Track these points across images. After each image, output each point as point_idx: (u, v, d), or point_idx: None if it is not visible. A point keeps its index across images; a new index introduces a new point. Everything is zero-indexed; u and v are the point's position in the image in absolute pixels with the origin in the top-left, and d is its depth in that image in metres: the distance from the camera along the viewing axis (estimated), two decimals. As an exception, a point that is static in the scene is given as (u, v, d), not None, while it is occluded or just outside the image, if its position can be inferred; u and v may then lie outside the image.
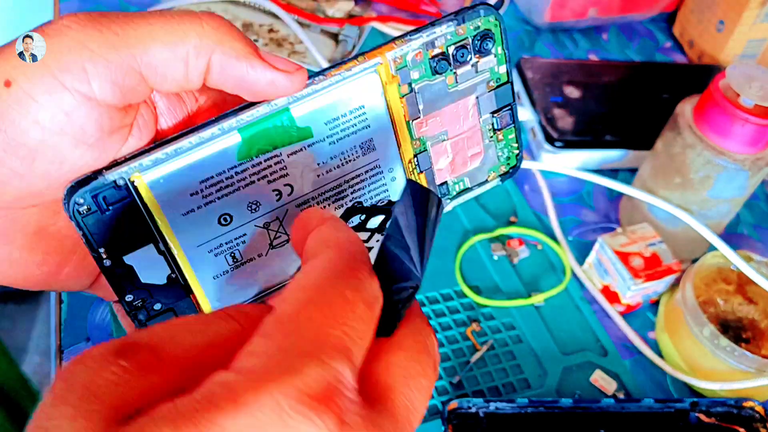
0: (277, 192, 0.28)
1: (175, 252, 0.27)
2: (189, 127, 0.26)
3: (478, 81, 0.30)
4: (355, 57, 0.28)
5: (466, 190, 0.32)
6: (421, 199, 0.23)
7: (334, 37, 0.68)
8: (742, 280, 0.50)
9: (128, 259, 0.26)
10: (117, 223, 0.26)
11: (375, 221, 0.29)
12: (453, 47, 0.28)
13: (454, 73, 0.29)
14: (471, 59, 0.29)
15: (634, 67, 0.68)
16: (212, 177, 0.27)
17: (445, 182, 0.31)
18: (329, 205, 0.29)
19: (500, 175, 0.32)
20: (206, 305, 0.29)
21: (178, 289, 0.28)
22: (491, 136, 0.31)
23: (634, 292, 0.50)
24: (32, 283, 0.27)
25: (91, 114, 0.23)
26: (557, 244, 0.55)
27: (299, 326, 0.19)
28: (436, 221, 0.24)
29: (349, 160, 0.29)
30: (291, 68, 0.25)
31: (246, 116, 0.26)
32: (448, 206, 0.31)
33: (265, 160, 0.27)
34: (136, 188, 0.26)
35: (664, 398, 0.45)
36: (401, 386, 0.20)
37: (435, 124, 0.30)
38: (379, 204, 0.30)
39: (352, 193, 0.29)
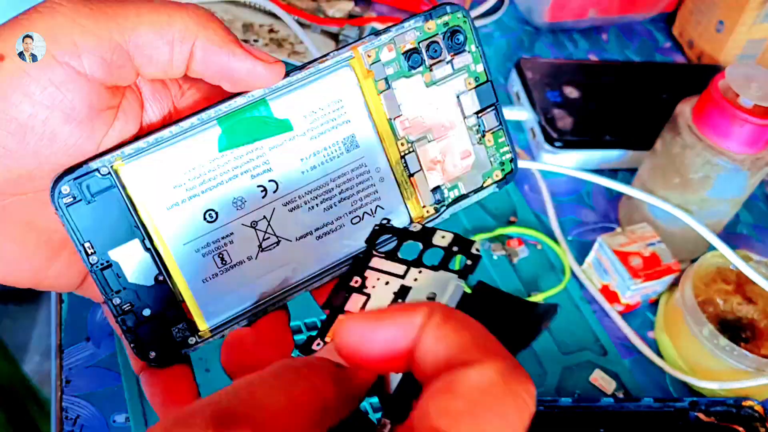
0: (261, 188, 0.28)
1: (161, 249, 0.27)
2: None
3: (456, 79, 0.30)
4: (330, 52, 0.28)
5: (462, 197, 0.31)
6: (494, 308, 0.24)
7: (335, 37, 0.68)
8: (742, 279, 0.50)
9: (114, 254, 0.26)
10: (102, 214, 0.26)
11: (410, 249, 0.28)
12: (424, 43, 0.29)
13: (430, 69, 0.29)
14: (445, 56, 0.29)
15: (633, 67, 0.68)
16: (194, 168, 0.27)
17: (439, 187, 0.31)
18: (318, 205, 0.29)
19: (496, 182, 0.32)
20: (197, 312, 0.28)
21: (166, 292, 0.28)
22: (479, 139, 0.31)
23: (634, 291, 0.50)
24: (21, 279, 0.27)
25: (81, 89, 0.24)
26: (557, 244, 0.55)
27: None
28: (530, 333, 0.23)
29: (333, 157, 0.29)
30: (270, 59, 0.26)
31: (224, 107, 0.27)
32: (445, 213, 0.31)
33: (246, 153, 0.28)
34: (119, 177, 0.26)
35: (664, 398, 0.45)
36: None
37: (418, 124, 0.30)
38: (412, 228, 0.28)
39: (340, 193, 0.29)
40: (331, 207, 0.29)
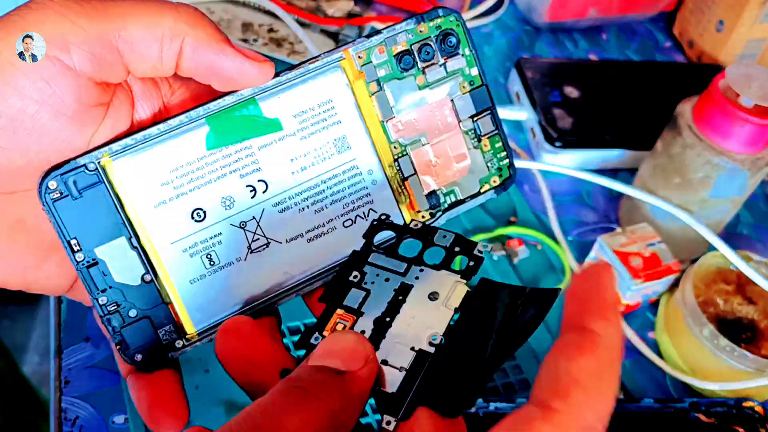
0: (251, 188, 0.28)
1: (148, 247, 0.27)
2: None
3: (450, 82, 0.30)
4: (321, 54, 0.28)
5: (459, 202, 0.31)
6: (497, 303, 0.23)
7: (334, 37, 0.68)
8: (742, 280, 0.50)
9: (100, 251, 0.26)
10: (89, 211, 0.26)
11: (410, 247, 0.28)
12: (416, 45, 0.29)
13: (423, 72, 0.29)
14: (438, 59, 0.29)
15: (634, 67, 0.68)
16: (182, 166, 0.27)
17: (434, 192, 0.30)
18: (308, 206, 0.29)
19: (494, 188, 0.31)
20: (184, 314, 0.28)
21: (153, 293, 0.27)
22: (475, 144, 0.30)
23: (634, 292, 0.50)
24: (10, 280, 0.27)
25: (70, 84, 0.24)
26: (557, 244, 0.55)
27: None
28: (528, 323, 0.23)
29: (324, 158, 0.29)
30: (259, 58, 0.26)
31: (213, 105, 0.27)
32: (441, 219, 0.31)
33: (235, 152, 0.28)
34: (106, 173, 0.26)
35: (664, 398, 0.45)
36: None
37: (411, 126, 0.30)
38: (413, 226, 0.28)
39: (331, 195, 0.29)
40: (323, 209, 0.29)
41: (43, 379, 0.98)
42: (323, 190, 0.29)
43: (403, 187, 0.30)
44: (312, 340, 0.25)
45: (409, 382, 0.23)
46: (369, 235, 0.28)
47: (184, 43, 0.25)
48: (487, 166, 0.31)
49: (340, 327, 0.25)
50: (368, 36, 0.29)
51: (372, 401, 0.23)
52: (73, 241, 0.26)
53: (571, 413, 0.19)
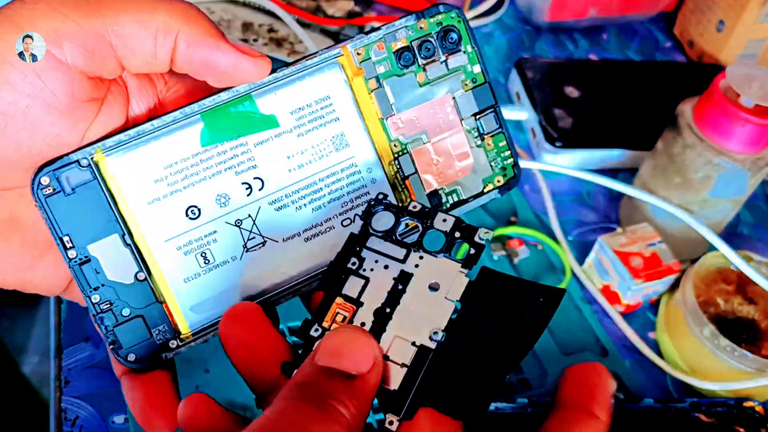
0: (246, 185, 0.28)
1: (141, 245, 0.27)
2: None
3: (451, 79, 0.29)
4: (319, 50, 0.28)
5: (461, 202, 0.30)
6: (500, 297, 0.23)
7: (335, 37, 0.68)
8: (742, 280, 0.50)
9: (93, 249, 0.26)
10: (82, 207, 0.26)
11: (408, 232, 0.27)
12: (416, 42, 0.28)
13: (423, 69, 0.29)
14: (439, 56, 0.29)
15: (634, 67, 0.68)
16: (176, 162, 0.27)
17: (436, 191, 0.30)
18: (306, 205, 0.28)
19: (497, 187, 0.30)
20: (178, 313, 0.28)
21: (147, 291, 0.27)
22: (478, 142, 0.30)
23: (634, 292, 0.50)
24: (5, 279, 0.27)
25: (63, 78, 0.24)
26: (557, 244, 0.55)
27: None
28: (537, 321, 0.23)
29: (322, 156, 0.28)
30: (255, 54, 0.26)
31: (209, 101, 0.27)
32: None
33: (231, 149, 0.27)
34: (99, 169, 0.26)
35: (664, 398, 0.45)
36: None
37: (411, 124, 0.29)
38: (412, 208, 0.27)
39: (329, 193, 0.29)
40: (320, 207, 0.29)
41: (43, 379, 0.98)
42: (321, 188, 0.28)
43: (403, 186, 0.29)
44: (312, 332, 0.25)
45: (410, 380, 0.23)
46: (366, 214, 0.27)
47: (179, 39, 0.25)
48: (491, 166, 0.30)
49: (339, 318, 0.25)
50: (367, 32, 0.28)
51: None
52: (65, 238, 0.26)
53: None
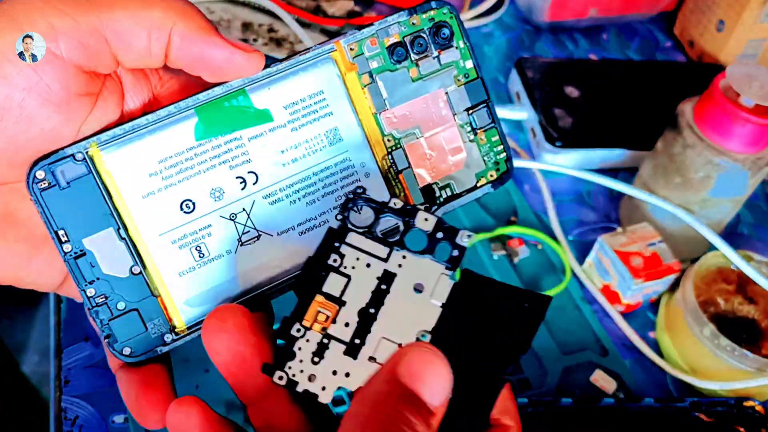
0: (241, 180, 0.28)
1: (136, 239, 0.27)
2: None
3: (444, 75, 0.29)
4: (312, 46, 0.28)
5: (455, 196, 0.30)
6: (485, 303, 0.23)
7: (334, 36, 0.68)
8: (743, 279, 0.50)
9: (88, 242, 0.26)
10: (77, 201, 0.26)
11: (389, 228, 0.26)
12: (409, 37, 0.29)
13: (416, 64, 0.29)
14: (431, 51, 0.29)
15: (634, 67, 0.68)
16: (171, 157, 0.27)
17: (429, 186, 0.30)
18: (300, 199, 0.29)
19: (490, 182, 0.31)
20: (173, 306, 0.28)
21: (142, 285, 0.27)
22: (471, 137, 0.30)
23: (634, 291, 0.50)
24: (1, 274, 0.27)
25: (58, 72, 0.24)
26: (557, 243, 0.55)
27: None
28: (526, 330, 0.23)
29: (316, 150, 0.29)
30: (249, 49, 0.26)
31: (203, 96, 0.27)
32: (437, 213, 0.30)
33: (225, 143, 0.27)
34: (94, 163, 0.26)
35: (665, 398, 0.45)
36: None
37: (405, 119, 0.29)
38: (392, 204, 0.27)
39: (323, 187, 0.29)
40: (314, 201, 0.29)
41: (43, 379, 0.98)
42: (315, 183, 0.29)
43: (397, 180, 0.30)
44: (293, 332, 0.24)
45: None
46: (344, 207, 0.26)
47: (173, 34, 0.25)
48: (484, 160, 0.30)
49: (322, 317, 0.25)
50: (360, 28, 0.28)
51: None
52: (60, 232, 0.26)
53: None
